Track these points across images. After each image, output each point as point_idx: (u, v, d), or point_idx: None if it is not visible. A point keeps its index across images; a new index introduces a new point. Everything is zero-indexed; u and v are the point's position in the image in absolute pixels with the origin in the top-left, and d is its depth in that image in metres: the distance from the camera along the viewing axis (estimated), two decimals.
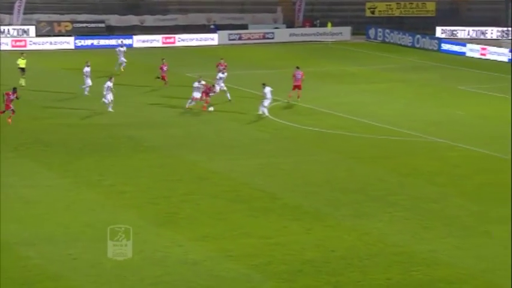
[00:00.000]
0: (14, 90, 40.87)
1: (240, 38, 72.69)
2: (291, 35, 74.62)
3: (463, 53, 66.46)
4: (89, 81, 46.97)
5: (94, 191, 30.23)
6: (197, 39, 71.58)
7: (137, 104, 45.73)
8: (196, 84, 43.15)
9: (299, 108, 45.06)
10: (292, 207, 28.80)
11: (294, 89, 45.74)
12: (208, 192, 30.28)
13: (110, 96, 42.30)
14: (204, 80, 43.82)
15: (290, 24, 77.38)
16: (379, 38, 74.22)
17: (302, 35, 74.75)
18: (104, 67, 54.79)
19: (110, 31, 72.27)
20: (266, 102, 41.84)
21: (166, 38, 70.65)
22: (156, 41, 69.87)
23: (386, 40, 73.40)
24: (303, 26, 76.61)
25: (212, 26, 74.10)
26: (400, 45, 71.52)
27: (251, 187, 30.99)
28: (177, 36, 71.09)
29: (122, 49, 55.45)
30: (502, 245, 25.37)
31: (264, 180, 31.96)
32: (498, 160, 35.16)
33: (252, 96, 46.86)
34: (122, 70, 54.40)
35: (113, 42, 67.10)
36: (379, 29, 74.53)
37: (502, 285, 22.41)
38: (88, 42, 68.61)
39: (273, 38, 73.46)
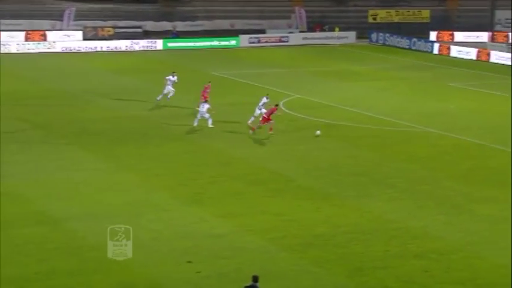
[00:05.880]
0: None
1: (259, 41, 72.50)
2: (303, 38, 74.32)
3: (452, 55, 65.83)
4: (168, 89, 42.41)
5: (132, 173, 30.34)
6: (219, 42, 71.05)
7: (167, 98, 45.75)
8: (264, 100, 38.06)
9: (307, 102, 44.88)
10: (304, 188, 28.77)
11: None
12: (230, 175, 30.30)
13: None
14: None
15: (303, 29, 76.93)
16: (380, 41, 73.80)
17: (313, 38, 74.43)
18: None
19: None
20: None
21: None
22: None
23: (387, 43, 72.97)
24: (314, 30, 76.21)
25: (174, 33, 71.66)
26: (399, 47, 71.09)
27: (268, 171, 30.98)
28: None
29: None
30: (486, 221, 25.27)
31: (280, 164, 31.93)
32: (483, 148, 34.96)
33: (270, 91, 46.71)
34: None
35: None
36: (381, 33, 74.09)
37: (485, 256, 22.33)
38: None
39: (288, 41, 73.22)
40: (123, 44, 68.19)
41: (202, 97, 40.05)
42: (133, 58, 62.82)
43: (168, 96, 42.73)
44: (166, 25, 74.46)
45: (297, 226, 24.65)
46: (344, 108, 43.37)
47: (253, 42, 72.16)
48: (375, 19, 78.82)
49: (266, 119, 36.26)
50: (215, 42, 70.75)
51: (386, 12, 79.05)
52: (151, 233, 23.76)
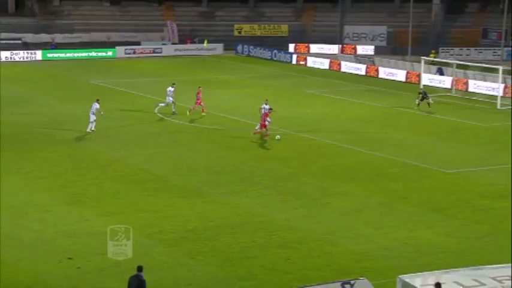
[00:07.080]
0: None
1: (134, 52, 71.69)
2: (175, 50, 74.17)
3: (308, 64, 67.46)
4: (168, 99, 41.68)
5: (14, 177, 29.26)
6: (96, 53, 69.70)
7: (50, 105, 44.49)
8: (264, 106, 37.36)
9: (184, 109, 44.81)
10: (179, 187, 28.73)
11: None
12: (110, 177, 29.82)
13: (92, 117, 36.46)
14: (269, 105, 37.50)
15: (175, 41, 76.72)
16: (245, 53, 74.65)
17: (185, 50, 74.43)
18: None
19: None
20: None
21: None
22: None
23: (251, 54, 73.90)
24: (185, 42, 76.14)
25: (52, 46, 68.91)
26: (262, 58, 72.17)
27: (145, 172, 30.71)
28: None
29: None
30: (339, 212, 26.09)
31: (155, 166, 31.72)
32: (336, 147, 36.07)
33: (145, 99, 46.36)
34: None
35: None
36: (245, 46, 74.99)
37: (339, 243, 23.06)
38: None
39: (161, 53, 72.80)
40: (3, 55, 65.57)
41: (197, 102, 41.29)
42: (14, 68, 60.53)
43: (173, 108, 42.01)
44: (45, 37, 72.21)
45: (172, 222, 24.59)
46: (214, 114, 43.54)
47: (129, 53, 71.23)
48: (240, 33, 79.82)
49: (263, 125, 36.18)
50: (93, 53, 69.22)
51: (250, 26, 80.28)
52: (34, 233, 23.03)
